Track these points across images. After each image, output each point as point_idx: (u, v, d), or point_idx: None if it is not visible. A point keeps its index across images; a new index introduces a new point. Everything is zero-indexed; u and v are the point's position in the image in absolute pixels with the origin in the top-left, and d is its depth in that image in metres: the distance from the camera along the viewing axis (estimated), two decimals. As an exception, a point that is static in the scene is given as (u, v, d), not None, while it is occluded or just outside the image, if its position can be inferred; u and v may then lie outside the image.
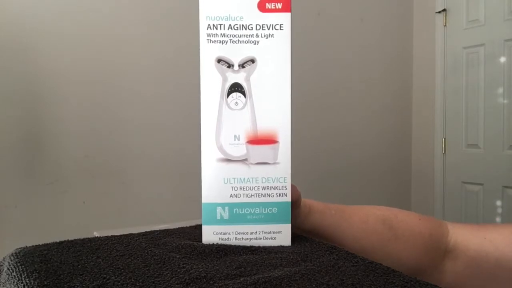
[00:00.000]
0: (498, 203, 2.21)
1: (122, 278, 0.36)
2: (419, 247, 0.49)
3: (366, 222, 0.49)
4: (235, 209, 0.45)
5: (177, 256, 0.43)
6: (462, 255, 0.49)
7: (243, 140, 0.44)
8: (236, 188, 0.45)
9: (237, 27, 0.45)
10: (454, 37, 2.40)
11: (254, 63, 0.45)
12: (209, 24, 0.44)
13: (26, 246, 0.47)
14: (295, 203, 0.46)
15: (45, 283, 0.36)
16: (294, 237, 0.47)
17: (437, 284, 0.50)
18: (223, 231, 0.45)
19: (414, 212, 0.52)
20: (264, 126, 0.45)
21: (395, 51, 2.59)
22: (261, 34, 0.46)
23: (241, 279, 0.37)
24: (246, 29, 0.45)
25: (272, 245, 0.45)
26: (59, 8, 1.69)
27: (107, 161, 1.78)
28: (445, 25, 2.44)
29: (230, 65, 0.44)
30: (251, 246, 0.45)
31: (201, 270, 0.38)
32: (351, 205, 0.51)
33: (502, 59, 2.18)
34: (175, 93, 1.93)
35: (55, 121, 1.69)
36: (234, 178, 0.44)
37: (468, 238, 0.50)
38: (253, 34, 0.45)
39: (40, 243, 0.49)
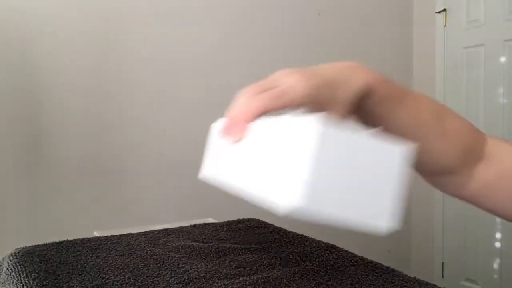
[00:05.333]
0: (498, 203, 2.21)
1: (121, 278, 0.36)
2: (459, 149, 0.50)
3: (422, 113, 0.49)
4: None
5: (177, 256, 0.43)
6: (498, 163, 0.50)
7: None
8: None
9: None
10: (454, 37, 2.40)
11: None
12: None
13: (26, 246, 0.47)
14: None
15: (44, 283, 0.36)
16: (294, 236, 0.47)
17: (463, 188, 0.51)
18: None
19: (463, 117, 0.53)
20: None
21: (395, 51, 2.59)
22: None
23: (240, 279, 0.37)
24: None
25: None
26: (59, 8, 1.69)
27: (107, 161, 1.78)
28: (445, 25, 2.44)
29: None
30: (251, 246, 0.45)
31: (200, 270, 0.38)
32: (412, 92, 0.50)
33: (502, 59, 2.18)
34: (175, 93, 1.93)
35: (55, 121, 1.69)
36: None
37: (506, 150, 0.51)
38: None
39: (40, 243, 0.49)
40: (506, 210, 0.51)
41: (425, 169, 0.53)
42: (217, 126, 0.57)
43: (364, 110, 0.47)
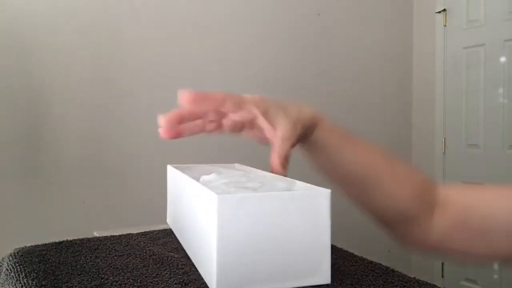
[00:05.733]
0: (498, 203, 2.20)
1: (120, 278, 0.36)
2: (413, 191, 0.51)
3: (371, 152, 0.51)
4: None
5: (176, 256, 0.43)
6: (451, 209, 0.49)
7: None
8: None
9: None
10: (454, 37, 2.40)
11: None
12: None
13: (25, 246, 0.47)
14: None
15: (43, 283, 0.36)
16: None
17: (426, 238, 0.50)
18: None
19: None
20: None
21: (395, 51, 2.59)
22: None
23: (240, 279, 0.37)
24: None
25: None
26: (60, 8, 1.68)
27: (107, 161, 1.78)
28: (445, 25, 2.44)
29: None
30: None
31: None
32: (359, 136, 0.52)
33: (502, 59, 2.18)
34: (175, 93, 1.92)
35: (55, 121, 1.69)
36: None
37: (459, 193, 0.51)
38: None
39: (40, 243, 0.49)
40: (477, 248, 0.47)
41: (382, 214, 0.51)
42: (171, 169, 0.60)
43: (314, 143, 0.48)
